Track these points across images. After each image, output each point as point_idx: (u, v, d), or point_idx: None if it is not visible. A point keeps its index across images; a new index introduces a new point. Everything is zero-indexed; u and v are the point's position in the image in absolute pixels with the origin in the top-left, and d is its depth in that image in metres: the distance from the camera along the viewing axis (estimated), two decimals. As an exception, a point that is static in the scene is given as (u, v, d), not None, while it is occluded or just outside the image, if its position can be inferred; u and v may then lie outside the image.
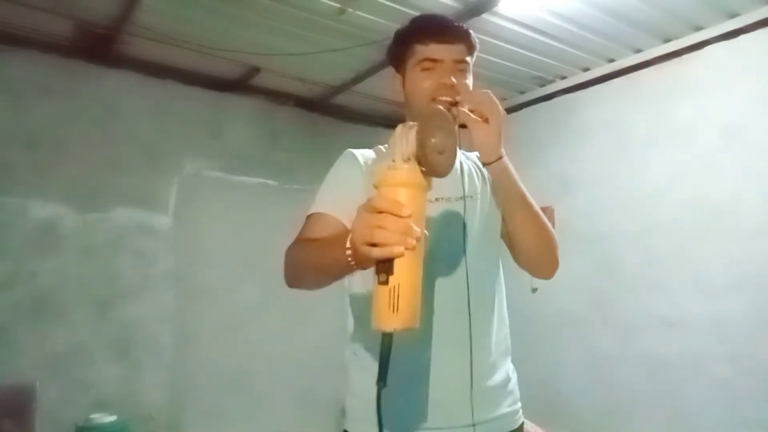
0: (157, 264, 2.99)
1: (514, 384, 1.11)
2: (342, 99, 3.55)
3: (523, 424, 1.11)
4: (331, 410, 3.27)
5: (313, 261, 0.92)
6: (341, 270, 0.84)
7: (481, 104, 0.96)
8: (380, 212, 0.67)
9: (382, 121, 3.82)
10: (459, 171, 1.11)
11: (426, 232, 0.71)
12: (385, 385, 0.70)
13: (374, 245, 0.67)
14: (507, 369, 1.11)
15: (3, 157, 2.61)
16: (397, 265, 0.67)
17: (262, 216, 3.34)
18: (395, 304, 0.67)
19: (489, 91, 0.98)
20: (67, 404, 2.58)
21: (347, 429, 1.07)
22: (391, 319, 0.67)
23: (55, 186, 2.72)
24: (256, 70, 3.13)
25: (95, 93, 2.89)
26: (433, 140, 0.69)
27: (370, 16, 2.45)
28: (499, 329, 1.09)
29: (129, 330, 2.86)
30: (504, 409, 1.06)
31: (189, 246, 3.10)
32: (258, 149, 3.45)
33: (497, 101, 0.97)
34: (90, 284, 2.77)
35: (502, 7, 2.39)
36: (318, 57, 2.83)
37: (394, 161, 0.70)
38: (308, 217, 1.05)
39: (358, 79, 3.21)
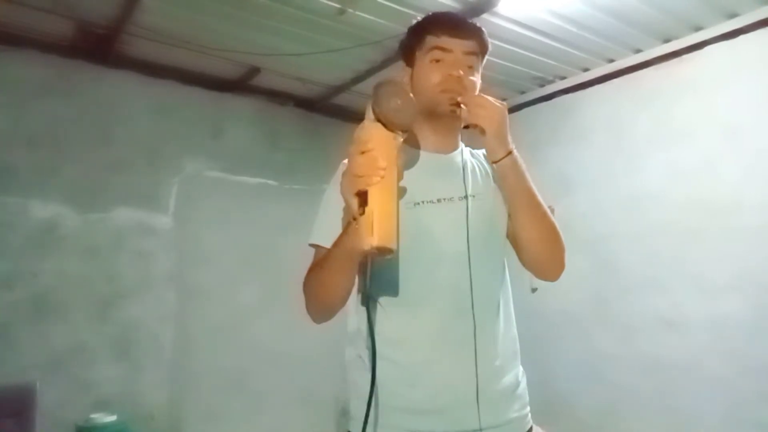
0: (157, 264, 3.00)
1: (523, 388, 1.08)
2: (342, 99, 3.55)
3: (531, 428, 1.08)
4: (331, 410, 3.28)
5: (327, 264, 0.97)
6: (354, 240, 0.92)
7: (475, 110, 0.98)
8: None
9: (382, 121, 3.82)
10: (462, 170, 1.10)
11: (399, 168, 0.86)
12: (369, 299, 0.88)
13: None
14: (516, 373, 1.08)
15: (3, 157, 2.61)
16: (371, 195, 0.81)
17: (262, 216, 3.34)
18: (371, 227, 0.80)
19: (485, 96, 0.99)
20: (68, 404, 2.58)
21: (350, 430, 1.06)
22: (368, 240, 0.80)
23: (55, 186, 2.72)
24: (256, 70, 3.13)
25: (95, 93, 2.89)
26: (386, 103, 0.85)
27: (370, 17, 2.44)
28: (507, 332, 1.07)
29: (129, 330, 2.86)
30: (512, 414, 1.03)
31: (189, 246, 3.10)
32: (258, 149, 3.45)
33: (492, 105, 0.98)
34: (90, 284, 2.77)
35: (502, 8, 2.39)
36: (318, 57, 2.84)
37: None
38: (312, 250, 1.09)
39: (358, 79, 3.21)
